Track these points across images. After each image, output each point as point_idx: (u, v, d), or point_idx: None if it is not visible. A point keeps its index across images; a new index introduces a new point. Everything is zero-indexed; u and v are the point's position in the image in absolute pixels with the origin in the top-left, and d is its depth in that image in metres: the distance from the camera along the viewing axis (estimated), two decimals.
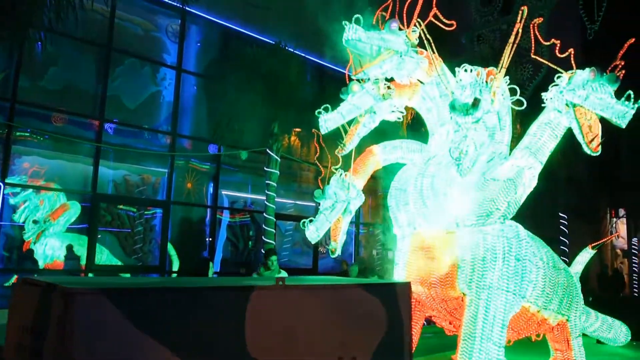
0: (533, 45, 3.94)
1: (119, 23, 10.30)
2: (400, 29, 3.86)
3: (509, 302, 3.56)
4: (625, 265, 28.51)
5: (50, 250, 9.34)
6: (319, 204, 4.33)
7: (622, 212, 27.60)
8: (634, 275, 25.93)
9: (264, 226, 10.56)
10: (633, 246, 26.47)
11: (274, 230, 10.58)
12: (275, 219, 10.69)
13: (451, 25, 3.88)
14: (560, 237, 22.21)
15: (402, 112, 4.13)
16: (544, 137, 3.58)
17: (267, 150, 10.67)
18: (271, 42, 11.30)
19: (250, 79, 9.84)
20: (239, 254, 12.11)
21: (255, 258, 11.60)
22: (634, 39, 3.62)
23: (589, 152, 3.35)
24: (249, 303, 2.41)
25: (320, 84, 12.55)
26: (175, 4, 7.52)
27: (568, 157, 19.29)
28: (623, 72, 3.42)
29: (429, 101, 4.10)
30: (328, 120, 3.92)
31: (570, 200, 23.84)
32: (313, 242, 4.23)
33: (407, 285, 3.23)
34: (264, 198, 10.72)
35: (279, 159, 10.69)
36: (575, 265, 5.06)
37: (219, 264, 11.68)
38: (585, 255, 5.18)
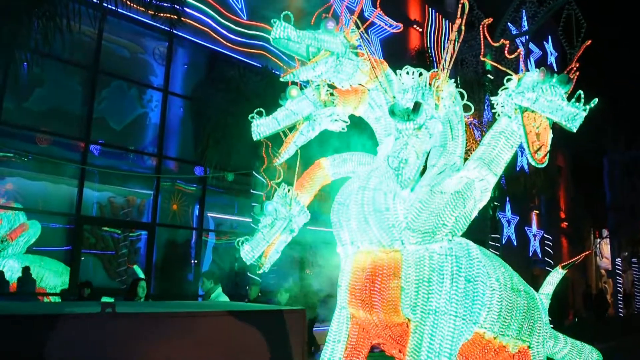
0: (482, 48, 3.76)
1: (106, 45, 10.33)
2: (339, 29, 3.56)
3: (457, 328, 3.19)
4: (609, 286, 28.77)
5: (8, 272, 8.84)
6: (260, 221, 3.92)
7: (605, 232, 27.96)
8: (619, 295, 26.14)
9: None
10: (617, 266, 26.75)
11: None
12: None
13: (397, 27, 3.71)
14: (545, 258, 22.39)
15: (345, 122, 3.74)
16: (498, 147, 3.23)
17: (254, 172, 10.69)
18: (258, 65, 11.40)
19: (236, 101, 9.91)
20: (224, 276, 12.01)
21: (241, 280, 11.51)
22: (590, 41, 3.44)
23: (533, 163, 3.04)
24: (56, 331, 2.12)
25: None
26: (163, 27, 7.60)
27: (551, 176, 19.62)
28: (577, 73, 3.17)
29: (377, 109, 3.77)
30: (261, 126, 3.52)
31: (553, 221, 24.12)
32: (248, 263, 3.80)
33: (299, 313, 2.99)
34: (250, 220, 10.70)
35: (265, 181, 10.70)
36: (545, 286, 4.74)
37: None
38: (556, 276, 4.77)
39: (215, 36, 11.59)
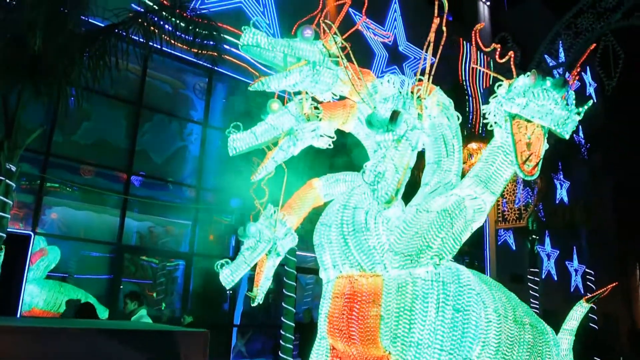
0: (476, 53, 3.43)
1: (150, 81, 10.81)
2: (317, 38, 3.26)
3: None
4: None
5: (28, 296, 8.70)
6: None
7: None
8: None
9: (284, 279, 10.55)
10: None
11: (294, 284, 10.54)
12: (296, 272, 10.69)
13: (387, 37, 3.28)
14: (587, 294, 21.57)
15: (331, 137, 3.41)
16: (496, 163, 2.88)
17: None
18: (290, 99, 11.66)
19: None
20: (258, 306, 12.04)
21: (275, 311, 11.53)
22: (595, 45, 3.09)
23: (521, 175, 2.75)
24: None
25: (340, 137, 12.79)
26: (205, 64, 7.92)
27: (592, 209, 19.10)
28: (577, 77, 2.90)
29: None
30: (237, 140, 3.19)
31: (596, 255, 23.31)
32: (227, 287, 3.50)
33: (200, 336, 2.73)
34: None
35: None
36: (568, 321, 4.37)
37: (239, 317, 11.63)
38: (580, 310, 4.42)
39: (252, 71, 11.91)
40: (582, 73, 24.44)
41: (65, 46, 6.36)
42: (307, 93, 3.27)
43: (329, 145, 3.45)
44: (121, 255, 10.09)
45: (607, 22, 14.19)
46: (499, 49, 3.35)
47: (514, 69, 3.02)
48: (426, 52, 3.01)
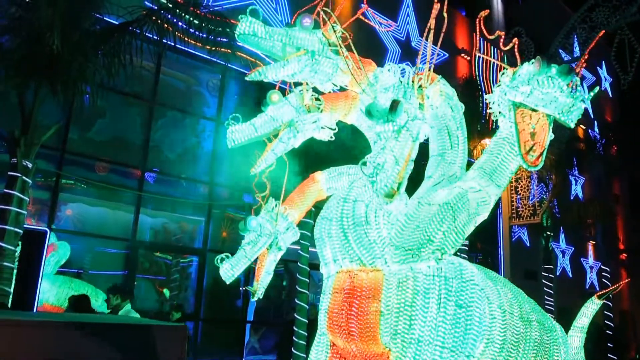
0: (477, 40, 3.21)
1: (163, 78, 10.86)
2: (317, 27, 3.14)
3: None
4: None
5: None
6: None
7: None
8: None
9: (297, 276, 10.58)
10: None
11: (307, 280, 10.57)
12: (309, 269, 10.71)
13: (388, 25, 3.02)
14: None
15: (333, 129, 3.33)
16: (501, 155, 2.79)
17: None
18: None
19: None
20: (271, 303, 12.11)
21: (288, 307, 11.57)
22: (604, 31, 2.98)
23: (524, 165, 2.66)
24: None
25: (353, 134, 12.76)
26: (218, 61, 7.96)
27: (608, 205, 18.87)
28: (584, 65, 2.82)
29: None
30: (236, 132, 3.15)
31: (611, 252, 22.99)
32: (227, 282, 3.46)
33: (177, 330, 2.68)
34: (298, 247, 10.80)
35: (313, 209, 10.81)
36: (580, 318, 4.22)
37: (253, 313, 11.69)
38: (591, 307, 4.27)
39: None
40: (598, 68, 24.16)
41: (81, 44, 6.42)
42: (307, 84, 3.17)
43: (331, 137, 3.35)
44: (135, 252, 10.17)
45: (622, 15, 13.98)
46: (502, 36, 3.25)
47: (518, 57, 2.90)
48: (426, 39, 2.92)
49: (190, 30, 7.09)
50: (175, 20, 7.11)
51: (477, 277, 2.97)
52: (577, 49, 19.58)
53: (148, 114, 10.58)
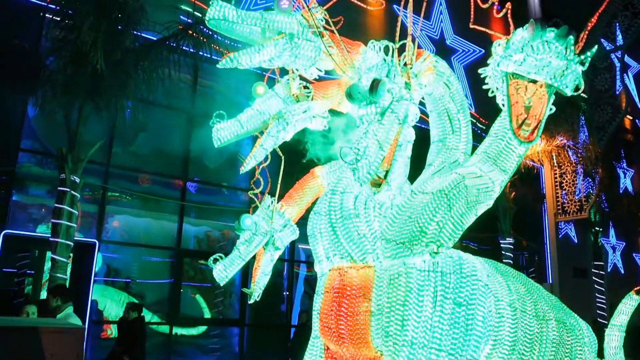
0: (472, 14, 2.97)
1: (200, 89, 11.08)
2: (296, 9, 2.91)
3: None
4: None
5: None
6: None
7: None
8: None
9: None
10: None
11: None
12: None
13: (404, 11, 2.79)
14: None
15: (325, 118, 3.11)
16: (506, 137, 2.48)
17: None
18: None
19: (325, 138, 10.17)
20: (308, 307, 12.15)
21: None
22: None
23: (515, 141, 2.40)
24: None
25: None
26: (254, 70, 8.06)
27: None
28: (589, 28, 2.41)
29: None
30: (222, 130, 3.00)
31: None
32: (221, 284, 3.23)
33: (71, 333, 2.53)
34: None
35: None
36: (617, 316, 3.87)
37: (297, 317, 11.75)
38: (629, 303, 3.90)
39: (302, 74, 12.03)
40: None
41: (122, 62, 6.64)
42: (294, 72, 2.95)
43: (325, 127, 3.12)
44: (180, 260, 10.39)
45: None
46: (496, 2, 3.00)
47: (511, 22, 2.65)
48: (405, 8, 2.73)
49: (226, 41, 7.22)
50: (210, 33, 7.26)
51: (480, 272, 2.66)
52: (619, 37, 18.91)
53: (187, 125, 10.80)
